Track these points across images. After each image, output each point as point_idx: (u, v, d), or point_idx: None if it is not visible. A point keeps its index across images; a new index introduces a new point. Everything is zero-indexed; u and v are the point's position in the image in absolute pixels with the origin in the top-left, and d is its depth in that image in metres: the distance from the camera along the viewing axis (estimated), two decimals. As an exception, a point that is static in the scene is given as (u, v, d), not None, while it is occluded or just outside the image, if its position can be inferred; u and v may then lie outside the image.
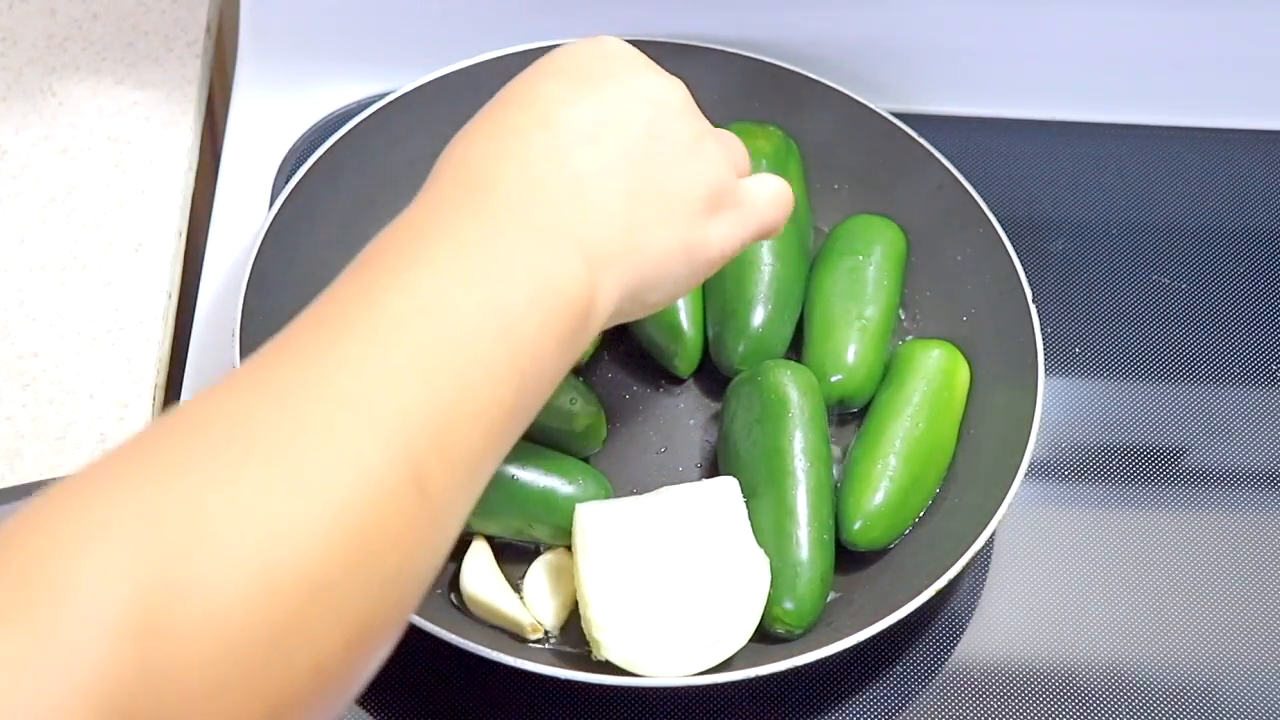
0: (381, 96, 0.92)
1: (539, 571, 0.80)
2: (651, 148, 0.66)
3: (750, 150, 0.91)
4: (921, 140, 0.92)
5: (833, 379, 0.86)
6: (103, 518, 0.47)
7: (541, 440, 0.82)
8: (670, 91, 0.69)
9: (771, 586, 0.78)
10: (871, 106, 0.94)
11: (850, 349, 0.87)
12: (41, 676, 0.44)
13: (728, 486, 0.80)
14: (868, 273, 0.89)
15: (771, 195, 0.73)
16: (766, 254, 0.88)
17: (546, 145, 0.64)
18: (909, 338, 0.90)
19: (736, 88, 0.95)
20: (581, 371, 0.88)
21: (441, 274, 0.58)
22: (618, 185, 0.65)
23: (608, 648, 0.75)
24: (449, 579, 0.81)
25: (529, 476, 0.80)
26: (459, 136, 0.67)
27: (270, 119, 0.98)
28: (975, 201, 0.90)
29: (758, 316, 0.87)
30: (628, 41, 0.73)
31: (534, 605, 0.79)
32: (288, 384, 0.53)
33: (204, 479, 0.49)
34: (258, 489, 0.50)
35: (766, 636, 0.78)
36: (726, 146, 0.72)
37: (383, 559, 0.52)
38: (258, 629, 0.48)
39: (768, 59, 0.95)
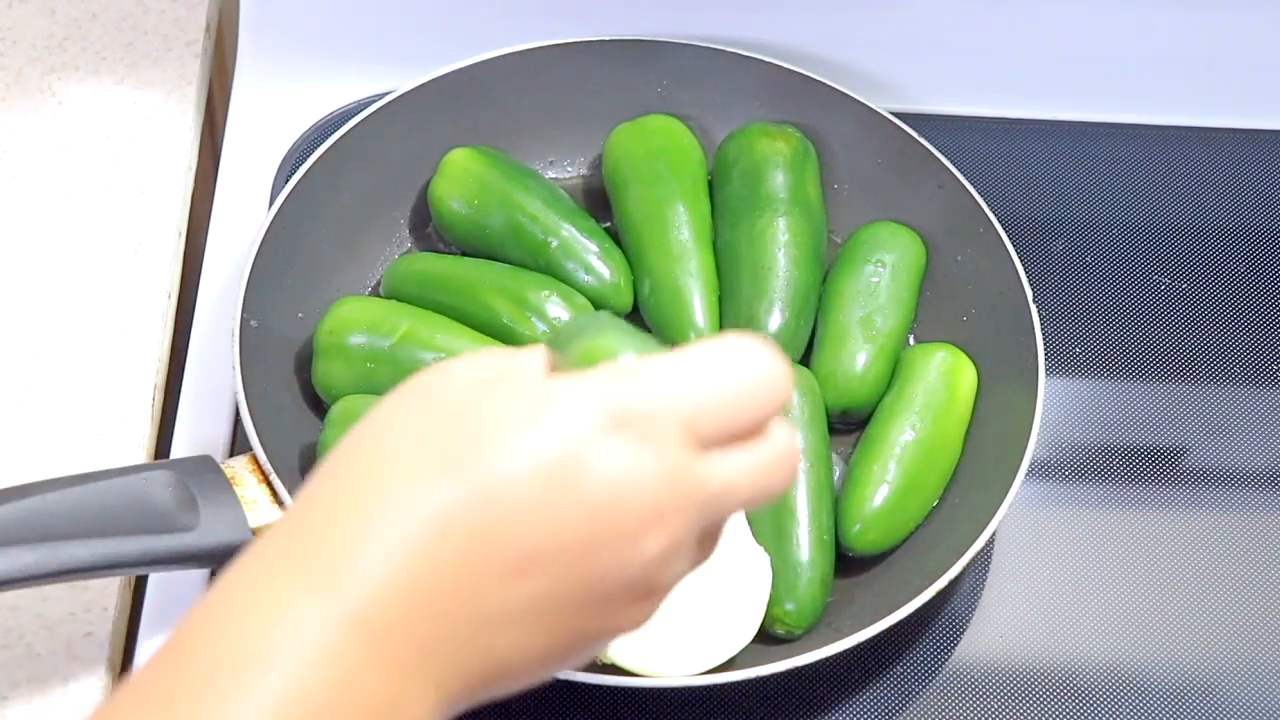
0: (381, 96, 0.92)
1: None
2: (582, 599, 0.50)
3: (768, 152, 0.91)
4: (922, 140, 0.92)
5: (837, 388, 0.86)
6: None
7: None
8: (643, 513, 0.49)
9: (771, 587, 0.78)
10: (871, 106, 0.94)
11: (859, 359, 0.87)
12: None
13: None
14: (886, 283, 0.89)
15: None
16: (783, 259, 0.88)
17: (451, 549, 0.48)
18: (911, 339, 0.90)
19: (736, 88, 0.95)
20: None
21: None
22: (518, 634, 0.50)
23: (613, 651, 0.75)
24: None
25: None
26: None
27: (270, 119, 0.98)
28: (975, 201, 0.90)
29: (774, 322, 0.87)
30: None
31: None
32: None
33: None
34: None
35: (767, 637, 0.78)
36: (689, 553, 0.51)
37: None
38: None
39: (767, 59, 0.95)
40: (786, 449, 0.52)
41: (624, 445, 0.49)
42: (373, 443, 0.50)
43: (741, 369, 0.51)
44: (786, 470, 0.52)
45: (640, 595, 0.51)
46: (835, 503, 0.82)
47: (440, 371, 0.51)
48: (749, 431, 0.51)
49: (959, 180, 0.91)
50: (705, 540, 0.53)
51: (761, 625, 0.77)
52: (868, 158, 0.94)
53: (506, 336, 0.85)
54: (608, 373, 0.50)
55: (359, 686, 0.47)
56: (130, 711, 0.47)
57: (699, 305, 0.88)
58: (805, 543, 0.80)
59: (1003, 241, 0.89)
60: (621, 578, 0.50)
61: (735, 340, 0.51)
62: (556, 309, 0.85)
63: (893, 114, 0.93)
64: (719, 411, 0.50)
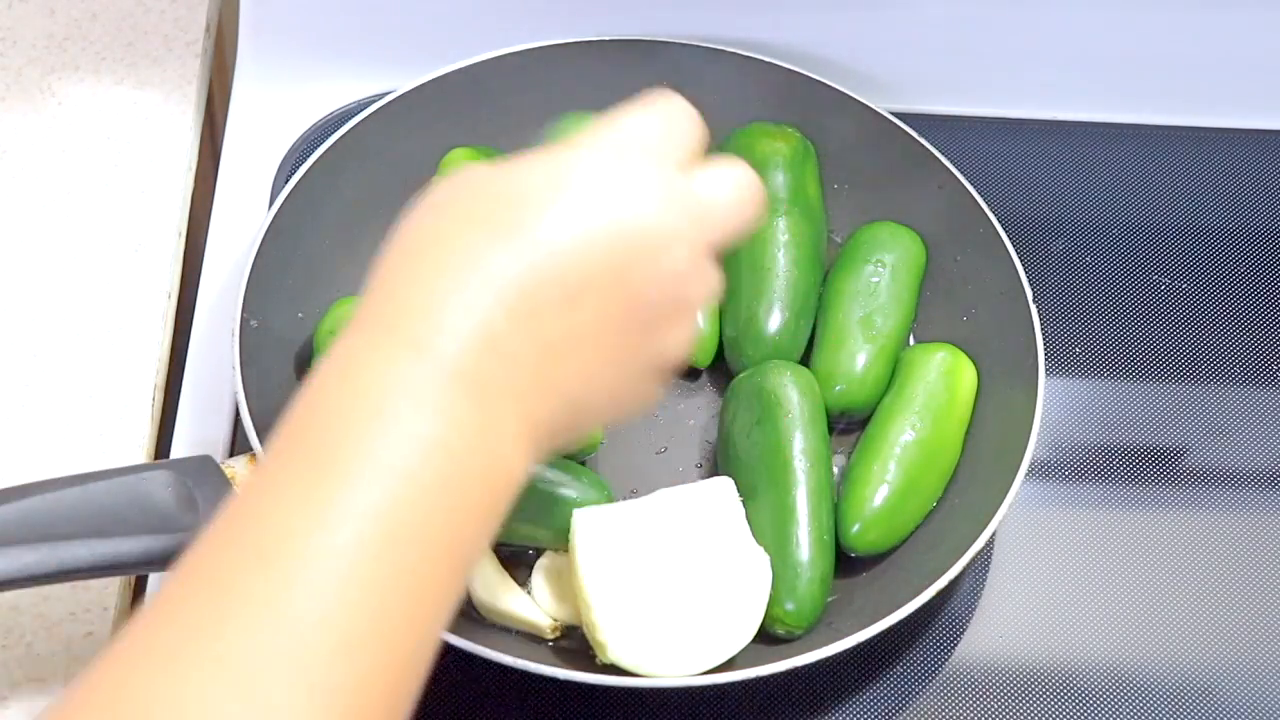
0: (381, 96, 0.92)
1: (542, 574, 0.80)
2: (628, 315, 0.60)
3: (768, 152, 0.91)
4: (922, 140, 0.92)
5: (837, 388, 0.86)
6: None
7: None
8: (659, 227, 0.60)
9: (771, 587, 0.78)
10: (872, 106, 0.94)
11: (859, 359, 0.87)
12: None
13: (723, 486, 0.80)
14: (886, 283, 0.89)
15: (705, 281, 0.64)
16: (783, 259, 0.88)
17: (512, 298, 0.57)
18: (911, 339, 0.90)
19: (736, 88, 0.95)
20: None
21: (359, 460, 0.54)
22: (581, 361, 0.59)
23: (614, 651, 0.75)
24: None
25: (535, 483, 0.79)
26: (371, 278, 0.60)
27: (270, 118, 0.98)
28: (975, 201, 0.90)
29: (774, 322, 0.87)
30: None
31: (544, 607, 0.79)
32: (218, 611, 0.51)
33: None
34: None
35: (766, 637, 0.78)
36: (707, 269, 0.62)
37: None
38: None
39: (767, 59, 0.95)
40: (751, 177, 0.64)
41: (627, 172, 0.60)
42: (429, 229, 0.59)
43: (677, 106, 0.64)
44: (757, 194, 0.64)
45: (675, 311, 0.62)
46: (834, 504, 0.82)
47: (471, 167, 0.61)
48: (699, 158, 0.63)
49: (959, 180, 0.91)
50: (715, 261, 0.63)
51: (761, 625, 0.77)
52: (868, 158, 0.94)
53: None
54: (592, 129, 0.62)
55: (467, 429, 0.56)
56: (281, 469, 0.55)
57: None
58: (805, 543, 0.80)
59: (1003, 241, 0.89)
60: (656, 290, 0.60)
61: (661, 94, 0.64)
62: None
63: (893, 114, 0.93)
64: (680, 130, 0.63)
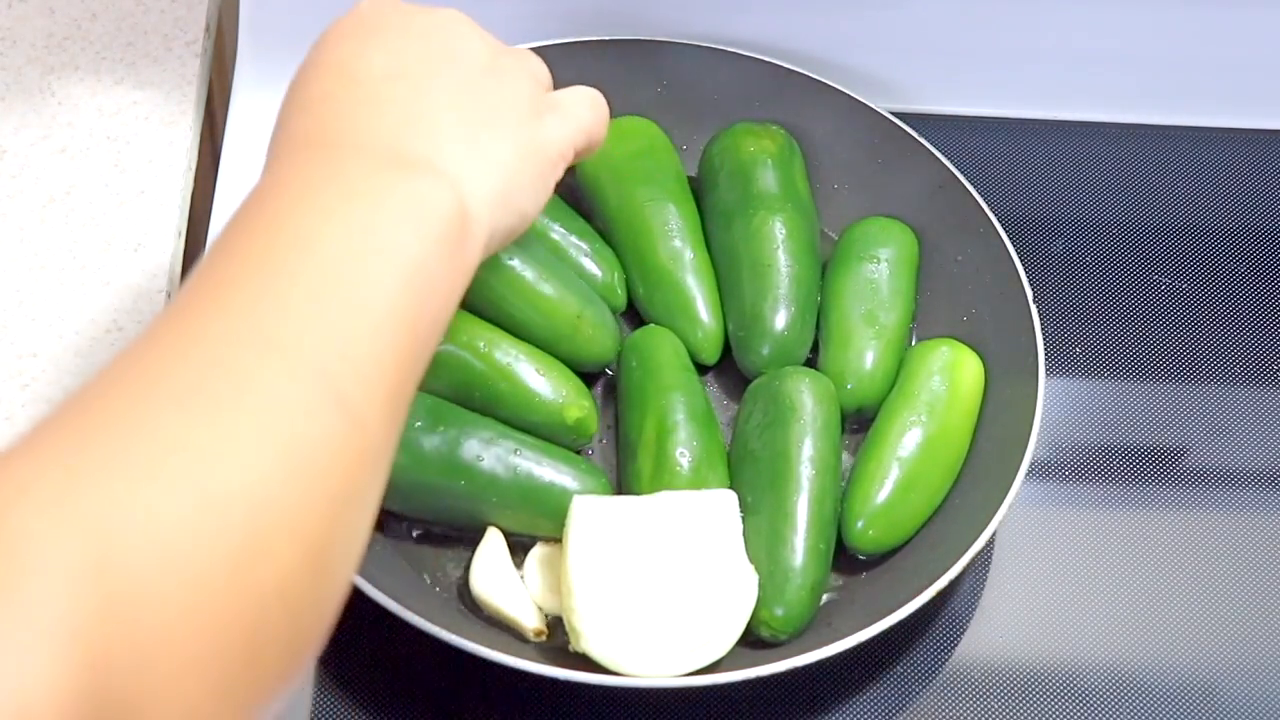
0: (381, 96, 0.92)
1: (536, 562, 0.80)
2: (456, 71, 0.68)
3: (755, 151, 0.91)
4: (922, 140, 0.92)
5: (849, 386, 0.86)
6: (37, 483, 0.49)
7: (534, 434, 0.82)
8: (452, 20, 0.70)
9: (762, 590, 0.78)
10: (872, 106, 0.94)
11: (868, 356, 0.87)
12: (8, 632, 0.45)
13: (726, 499, 0.80)
14: (884, 278, 0.89)
15: (584, 98, 0.75)
16: (782, 255, 0.88)
17: (359, 96, 0.66)
18: (913, 339, 0.90)
19: (736, 87, 0.95)
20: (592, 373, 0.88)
21: (316, 215, 0.60)
22: (441, 108, 0.66)
23: (587, 639, 0.75)
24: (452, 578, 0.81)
25: (533, 469, 0.80)
26: (278, 126, 0.68)
27: (270, 119, 0.98)
28: (975, 201, 0.90)
29: (780, 319, 0.87)
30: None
31: (534, 595, 0.79)
32: (195, 334, 0.55)
33: (131, 427, 0.51)
34: (185, 426, 0.51)
35: (753, 641, 0.78)
36: (523, 61, 0.73)
37: (324, 476, 0.54)
38: (211, 551, 0.49)
39: (767, 58, 0.95)
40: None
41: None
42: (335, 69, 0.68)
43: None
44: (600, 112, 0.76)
45: (535, 110, 0.71)
46: (837, 513, 0.82)
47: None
48: None
49: (959, 180, 0.91)
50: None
51: (749, 628, 0.77)
52: (868, 158, 0.94)
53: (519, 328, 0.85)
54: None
55: (439, 204, 0.63)
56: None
57: (701, 301, 0.89)
58: (800, 549, 0.79)
59: (1003, 241, 0.89)
60: (512, 91, 0.70)
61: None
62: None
63: (893, 114, 0.93)
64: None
